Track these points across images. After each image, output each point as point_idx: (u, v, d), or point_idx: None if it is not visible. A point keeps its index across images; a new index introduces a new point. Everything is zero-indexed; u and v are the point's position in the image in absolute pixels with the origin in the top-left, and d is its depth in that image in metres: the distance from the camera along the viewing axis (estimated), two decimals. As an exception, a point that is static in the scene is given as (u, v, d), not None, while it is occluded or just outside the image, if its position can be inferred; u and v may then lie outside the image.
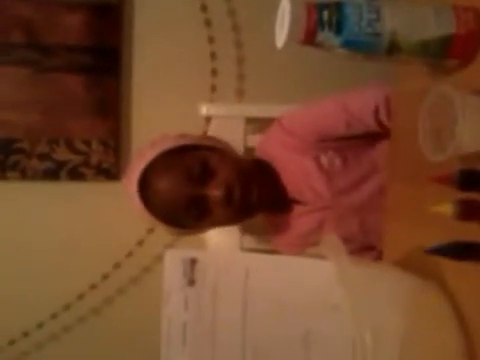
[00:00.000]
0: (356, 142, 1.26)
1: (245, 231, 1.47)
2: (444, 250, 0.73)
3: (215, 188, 1.17)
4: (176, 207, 1.18)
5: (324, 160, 1.24)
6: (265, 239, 1.43)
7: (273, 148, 1.31)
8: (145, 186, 1.18)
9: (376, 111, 1.20)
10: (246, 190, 1.19)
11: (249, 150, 1.47)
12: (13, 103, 1.74)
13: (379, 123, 1.21)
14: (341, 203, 1.26)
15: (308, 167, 1.25)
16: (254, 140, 1.47)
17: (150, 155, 1.19)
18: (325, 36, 0.72)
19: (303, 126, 1.28)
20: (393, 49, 0.73)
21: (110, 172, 1.78)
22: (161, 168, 1.18)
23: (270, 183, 1.28)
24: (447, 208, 0.71)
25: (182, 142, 1.21)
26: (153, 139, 1.25)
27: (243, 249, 1.45)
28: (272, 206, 1.31)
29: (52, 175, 1.77)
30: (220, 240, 1.47)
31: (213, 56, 1.77)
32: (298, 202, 1.30)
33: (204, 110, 1.49)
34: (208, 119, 1.56)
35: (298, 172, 1.27)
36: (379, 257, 1.27)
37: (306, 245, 1.27)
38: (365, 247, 1.28)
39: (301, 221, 1.30)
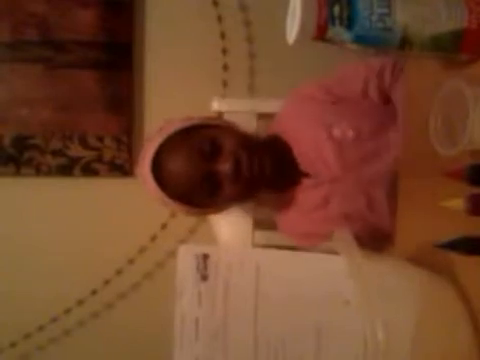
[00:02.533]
0: (373, 115, 1.26)
1: (257, 227, 1.48)
2: (455, 244, 0.73)
3: (223, 163, 1.20)
4: (189, 185, 1.21)
5: (336, 132, 1.25)
6: (276, 233, 1.44)
7: (287, 120, 1.33)
8: (158, 168, 1.21)
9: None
10: (254, 162, 1.22)
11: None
12: (27, 99, 1.75)
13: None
14: (349, 176, 1.25)
15: (319, 136, 1.25)
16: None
17: (159, 138, 1.22)
18: (336, 31, 0.72)
19: (319, 84, 1.31)
20: (405, 44, 0.73)
21: (123, 168, 1.79)
22: (171, 149, 1.22)
23: (281, 158, 1.29)
24: (458, 203, 0.71)
25: (189, 123, 1.24)
26: (161, 124, 1.27)
27: (255, 245, 1.45)
28: (281, 181, 1.32)
29: (66, 171, 1.79)
30: (232, 236, 1.47)
31: (225, 51, 1.77)
32: (307, 175, 1.30)
33: (216, 105, 1.49)
34: (220, 114, 1.56)
35: (309, 141, 1.27)
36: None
37: (312, 227, 1.29)
38: (373, 233, 1.27)
39: (307, 195, 1.30)
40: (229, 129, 1.27)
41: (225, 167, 1.20)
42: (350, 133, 1.24)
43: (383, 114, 1.25)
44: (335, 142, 1.25)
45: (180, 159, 1.21)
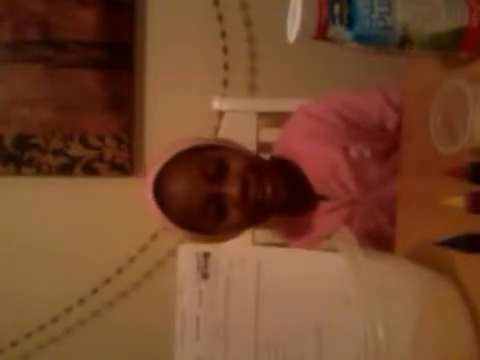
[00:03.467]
0: (388, 135, 1.21)
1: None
2: (455, 242, 0.73)
3: (230, 185, 1.13)
4: (192, 208, 1.13)
5: (353, 152, 1.19)
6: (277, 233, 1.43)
7: (297, 141, 1.26)
8: (160, 190, 1.14)
9: None
10: (264, 186, 1.15)
11: (261, 145, 1.46)
12: (28, 99, 1.75)
13: None
14: (370, 198, 1.20)
15: (335, 159, 1.20)
16: (266, 134, 1.47)
17: (164, 158, 1.16)
18: (336, 31, 0.72)
19: (333, 111, 1.24)
20: (405, 42, 0.73)
21: (124, 167, 1.79)
22: (175, 169, 1.15)
23: (291, 181, 1.21)
24: (458, 201, 0.71)
25: (195, 143, 1.18)
26: (169, 143, 1.21)
27: (255, 243, 1.45)
28: (293, 206, 1.25)
29: (66, 171, 1.79)
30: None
31: (225, 50, 1.77)
32: (323, 198, 1.24)
33: (216, 104, 1.49)
34: (221, 113, 1.57)
35: (324, 164, 1.21)
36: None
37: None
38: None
39: (325, 219, 1.24)
40: (237, 151, 1.20)
41: (232, 190, 1.12)
42: (367, 152, 1.19)
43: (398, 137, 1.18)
44: (352, 163, 1.19)
45: (183, 180, 1.13)
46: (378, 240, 1.17)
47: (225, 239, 1.22)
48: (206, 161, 1.14)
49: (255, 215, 1.17)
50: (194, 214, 1.13)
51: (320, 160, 1.22)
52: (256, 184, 1.14)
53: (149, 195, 1.15)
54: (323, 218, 1.25)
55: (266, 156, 1.32)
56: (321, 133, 1.23)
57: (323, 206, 1.25)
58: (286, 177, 1.20)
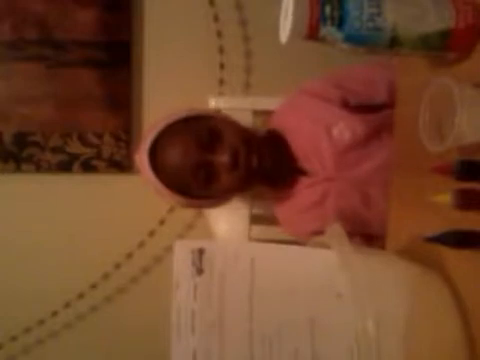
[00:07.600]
0: (370, 119, 1.26)
1: (254, 222, 1.49)
2: (444, 238, 0.75)
3: (221, 154, 1.21)
4: (184, 173, 1.21)
5: (335, 132, 1.25)
6: (273, 228, 1.45)
7: (287, 115, 1.34)
8: (155, 154, 1.22)
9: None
10: (252, 157, 1.23)
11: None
12: (27, 97, 1.77)
13: None
14: (344, 176, 1.27)
15: (319, 136, 1.26)
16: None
17: (161, 125, 1.23)
18: (327, 31, 0.73)
19: (330, 84, 1.30)
20: (394, 43, 0.74)
21: (122, 164, 1.80)
22: (170, 136, 1.23)
23: (278, 154, 1.30)
24: (446, 198, 0.72)
25: (191, 113, 1.25)
26: (166, 114, 1.28)
27: (251, 239, 1.46)
28: (277, 177, 1.33)
29: (65, 168, 1.80)
30: (229, 230, 1.48)
31: (221, 50, 1.78)
32: (304, 173, 1.32)
33: (212, 103, 1.50)
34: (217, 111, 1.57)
35: (308, 137, 1.28)
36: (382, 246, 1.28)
37: (308, 226, 1.29)
38: (366, 235, 1.28)
39: (304, 193, 1.31)
40: (231, 123, 1.28)
41: (222, 159, 1.21)
42: (347, 135, 1.24)
43: (378, 119, 1.25)
44: (332, 142, 1.25)
45: (176, 147, 1.21)
46: (352, 220, 1.25)
47: (212, 205, 1.33)
48: (201, 129, 1.22)
49: (240, 183, 1.25)
50: (185, 179, 1.22)
51: (306, 134, 1.29)
52: (244, 155, 1.22)
53: (144, 160, 1.23)
54: (302, 192, 1.32)
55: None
56: (311, 109, 1.30)
57: (303, 181, 1.32)
58: (273, 151, 1.28)
